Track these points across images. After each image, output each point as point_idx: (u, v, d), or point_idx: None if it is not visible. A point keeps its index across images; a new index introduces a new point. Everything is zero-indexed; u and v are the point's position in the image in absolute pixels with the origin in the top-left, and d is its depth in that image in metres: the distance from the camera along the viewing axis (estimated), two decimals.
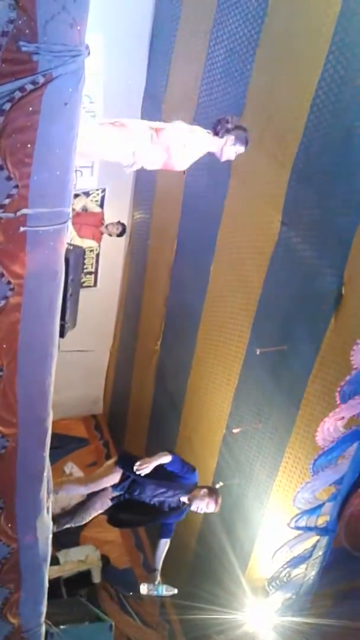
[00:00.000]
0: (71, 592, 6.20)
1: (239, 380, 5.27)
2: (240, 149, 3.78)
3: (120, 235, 6.75)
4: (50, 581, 3.75)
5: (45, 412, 2.85)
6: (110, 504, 4.73)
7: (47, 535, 3.34)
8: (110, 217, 7.16)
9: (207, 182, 5.54)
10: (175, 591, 4.60)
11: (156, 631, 6.57)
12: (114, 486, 4.69)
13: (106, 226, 6.65)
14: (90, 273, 7.63)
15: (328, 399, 3.98)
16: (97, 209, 6.86)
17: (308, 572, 4.23)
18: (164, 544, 4.76)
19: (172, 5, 5.68)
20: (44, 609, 3.71)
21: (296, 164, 4.32)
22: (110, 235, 6.69)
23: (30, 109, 1.96)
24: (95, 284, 7.79)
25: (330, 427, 3.75)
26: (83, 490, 4.73)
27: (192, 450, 6.18)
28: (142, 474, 4.35)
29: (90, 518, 4.88)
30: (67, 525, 4.87)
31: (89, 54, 2.02)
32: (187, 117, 5.30)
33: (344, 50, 3.82)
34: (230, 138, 3.70)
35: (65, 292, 4.52)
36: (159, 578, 4.57)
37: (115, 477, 4.66)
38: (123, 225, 6.76)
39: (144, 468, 4.33)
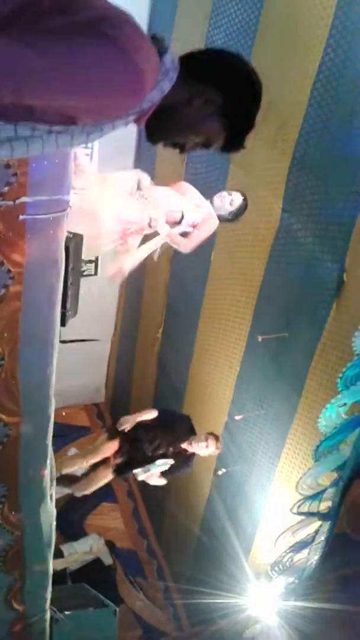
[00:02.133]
0: (81, 580, 6.26)
1: (241, 367, 5.29)
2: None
3: None
4: (55, 572, 3.79)
5: (47, 400, 2.86)
6: (111, 476, 4.82)
7: (50, 522, 3.37)
8: None
9: (207, 170, 5.51)
10: (172, 461, 4.67)
11: (163, 612, 6.66)
12: (115, 454, 4.77)
13: None
14: (91, 261, 7.60)
15: (330, 385, 3.99)
16: None
17: (310, 557, 4.27)
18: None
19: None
20: (49, 595, 3.75)
21: (297, 151, 4.30)
22: None
23: None
24: (96, 273, 7.76)
25: (332, 413, 3.76)
26: (84, 464, 4.81)
27: None
28: (126, 430, 4.41)
29: (92, 490, 4.97)
30: (68, 491, 4.97)
31: None
32: None
33: (344, 35, 3.78)
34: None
35: (65, 280, 4.52)
36: None
37: (114, 445, 4.74)
38: None
39: (125, 425, 4.43)
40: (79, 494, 5.08)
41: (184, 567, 6.70)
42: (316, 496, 4.07)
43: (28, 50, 1.13)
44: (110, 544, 7.10)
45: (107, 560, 6.97)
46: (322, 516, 4.06)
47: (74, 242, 3.05)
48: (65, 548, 6.87)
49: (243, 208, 3.93)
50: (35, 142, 1.29)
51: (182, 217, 3.72)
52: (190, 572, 6.46)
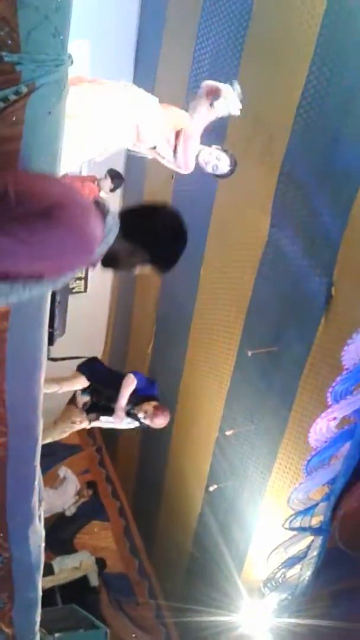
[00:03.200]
0: (68, 600, 6.19)
1: (231, 382, 5.28)
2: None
3: (114, 189, 6.14)
4: (44, 591, 3.73)
5: (35, 420, 2.84)
6: (77, 412, 4.90)
7: (39, 544, 3.33)
8: None
9: (195, 186, 5.54)
10: (137, 423, 4.84)
11: (152, 636, 6.56)
12: (83, 390, 4.84)
13: (98, 183, 6.13)
14: (80, 278, 7.61)
15: (320, 399, 3.99)
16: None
17: (303, 573, 4.24)
18: None
19: (158, 10, 5.69)
20: (38, 618, 3.69)
21: (284, 166, 4.34)
22: (105, 192, 6.11)
23: (14, 118, 1.96)
24: (85, 290, 7.77)
25: (322, 428, 3.76)
26: (58, 389, 4.89)
27: (186, 453, 6.18)
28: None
29: (68, 432, 5.03)
30: (49, 440, 5.03)
31: (72, 62, 2.03)
32: None
33: (329, 53, 3.84)
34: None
35: (53, 299, 4.54)
36: None
37: (83, 382, 4.83)
38: (113, 174, 6.02)
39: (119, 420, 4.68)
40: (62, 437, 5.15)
41: (176, 585, 6.64)
42: (308, 511, 4.05)
43: (4, 238, 1.62)
44: (101, 563, 7.04)
45: (94, 581, 6.93)
46: (314, 531, 4.05)
47: None
48: (56, 563, 6.81)
49: (227, 174, 3.79)
50: (13, 294, 1.78)
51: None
52: (182, 590, 6.40)
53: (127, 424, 4.83)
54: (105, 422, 4.87)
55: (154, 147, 3.51)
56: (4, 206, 1.65)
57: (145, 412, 4.71)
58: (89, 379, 4.94)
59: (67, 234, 1.68)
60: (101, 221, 1.80)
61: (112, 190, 6.09)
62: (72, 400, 5.03)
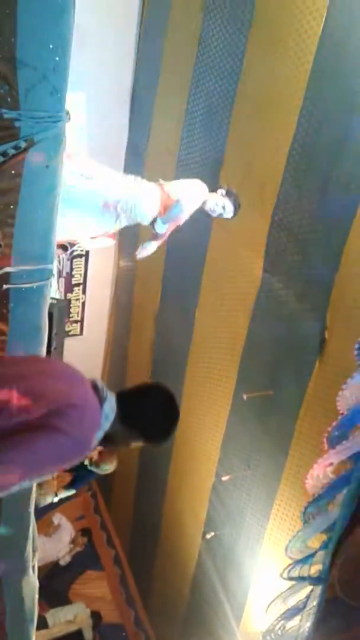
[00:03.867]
0: None
1: (227, 426, 5.25)
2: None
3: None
4: None
5: None
6: None
7: (33, 595, 3.25)
8: (96, 266, 7.26)
9: (190, 231, 5.63)
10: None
11: None
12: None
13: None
14: (76, 322, 7.64)
15: (316, 444, 3.97)
16: None
17: (303, 624, 4.13)
18: None
19: (152, 64, 5.90)
20: None
21: (275, 213, 4.43)
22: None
23: (13, 172, 2.02)
24: (81, 333, 7.79)
25: (319, 474, 3.73)
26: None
27: (182, 500, 6.09)
28: None
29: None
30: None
31: (69, 119, 2.10)
32: (169, 170, 5.45)
33: (317, 103, 3.96)
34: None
35: (49, 345, 4.53)
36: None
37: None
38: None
39: None
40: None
41: (173, 636, 6.44)
42: (306, 560, 3.97)
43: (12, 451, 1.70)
44: (96, 617, 6.86)
45: (88, 635, 6.74)
46: (313, 580, 3.96)
47: (58, 308, 3.08)
48: (49, 616, 6.63)
49: (229, 218, 3.87)
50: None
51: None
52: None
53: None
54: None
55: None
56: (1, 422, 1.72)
57: (90, 458, 4.62)
58: None
59: (63, 441, 1.76)
60: (99, 409, 1.89)
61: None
62: None
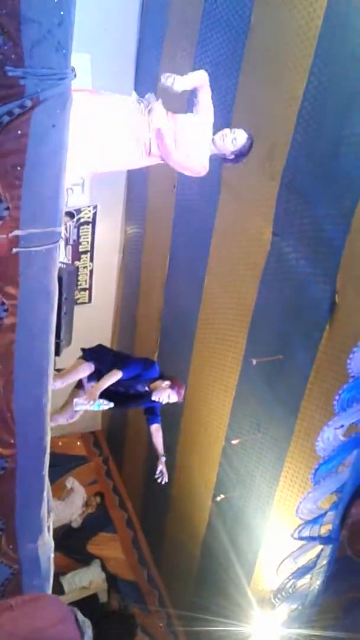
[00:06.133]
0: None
1: (236, 391, 5.28)
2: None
3: None
4: None
5: (43, 431, 2.84)
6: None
7: (48, 555, 3.32)
8: (103, 233, 7.22)
9: (197, 196, 5.58)
10: (112, 405, 4.47)
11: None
12: (89, 378, 4.74)
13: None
14: (84, 289, 7.64)
15: (326, 407, 3.98)
16: None
17: (313, 582, 4.21)
18: (155, 430, 4.83)
19: (158, 22, 5.76)
20: None
21: (285, 175, 4.36)
22: None
23: (19, 132, 1.98)
24: (89, 300, 7.80)
25: (329, 436, 3.75)
26: (59, 384, 4.73)
27: (191, 464, 6.16)
28: (94, 401, 4.37)
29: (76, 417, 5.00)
30: (60, 422, 4.92)
31: (75, 76, 2.05)
32: None
33: (328, 60, 3.87)
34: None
35: (59, 310, 4.52)
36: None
37: (87, 369, 4.70)
38: None
39: (91, 399, 4.37)
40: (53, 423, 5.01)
41: (185, 595, 6.60)
42: (316, 520, 4.03)
43: None
44: (111, 579, 7.06)
45: (103, 597, 6.98)
46: (323, 540, 4.02)
47: (67, 272, 3.06)
48: (65, 581, 6.82)
49: (247, 148, 3.63)
50: None
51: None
52: (192, 599, 6.36)
53: (99, 405, 4.65)
54: (79, 405, 4.51)
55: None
56: None
57: (161, 393, 4.57)
58: (94, 364, 4.81)
59: None
60: None
61: None
62: (79, 385, 4.93)
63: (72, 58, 2.05)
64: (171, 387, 4.54)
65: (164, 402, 4.60)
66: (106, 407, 4.46)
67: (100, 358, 4.82)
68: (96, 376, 4.74)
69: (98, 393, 4.41)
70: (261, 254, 4.69)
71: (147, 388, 4.65)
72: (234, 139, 3.47)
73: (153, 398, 4.56)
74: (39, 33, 1.89)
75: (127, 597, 7.11)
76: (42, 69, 1.93)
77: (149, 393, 4.63)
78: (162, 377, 4.67)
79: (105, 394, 4.53)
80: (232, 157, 3.54)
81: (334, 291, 4.02)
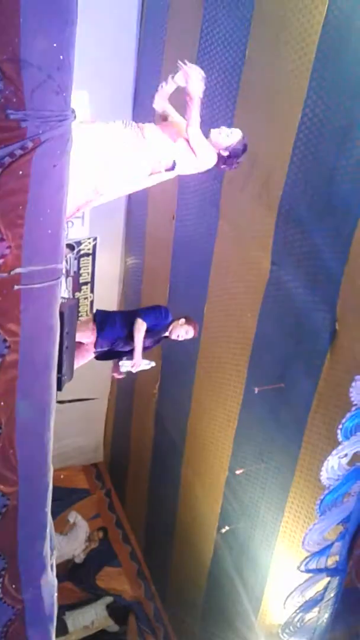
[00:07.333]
0: None
1: (239, 420, 5.25)
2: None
3: None
4: None
5: (45, 467, 2.82)
6: (92, 355, 4.71)
7: (52, 593, 3.26)
8: (103, 264, 7.27)
9: (196, 226, 5.62)
10: (153, 364, 4.63)
11: None
12: (96, 345, 4.65)
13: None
14: None
15: (329, 435, 3.96)
16: None
17: (321, 615, 4.13)
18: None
19: (154, 59, 5.88)
20: None
21: (282, 205, 4.41)
22: None
23: (21, 172, 2.01)
24: None
25: (334, 465, 3.72)
26: None
27: (195, 494, 6.09)
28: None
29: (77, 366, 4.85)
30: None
31: (75, 117, 2.09)
32: None
33: (323, 91, 3.94)
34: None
35: (61, 345, 4.50)
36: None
37: (90, 335, 4.63)
38: None
39: (137, 364, 4.50)
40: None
41: (192, 625, 6.47)
42: (323, 551, 3.98)
43: None
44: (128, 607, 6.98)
45: (113, 628, 6.84)
46: (330, 572, 3.96)
47: (68, 307, 3.07)
48: (69, 621, 6.70)
49: (241, 149, 3.67)
50: None
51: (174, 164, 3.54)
52: (199, 631, 6.24)
53: (145, 365, 4.66)
54: (125, 366, 4.60)
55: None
56: None
57: (180, 330, 4.57)
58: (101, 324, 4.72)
59: None
60: None
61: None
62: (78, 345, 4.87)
63: (72, 96, 2.09)
64: (187, 323, 4.61)
65: (181, 339, 4.62)
66: (148, 367, 4.61)
67: (109, 317, 4.76)
68: (117, 342, 4.69)
69: (141, 354, 4.51)
70: (260, 282, 4.71)
71: (166, 333, 4.68)
72: (229, 134, 3.57)
73: (172, 337, 4.62)
74: (39, 77, 1.93)
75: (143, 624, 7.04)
76: (42, 111, 1.97)
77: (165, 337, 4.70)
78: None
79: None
80: (226, 154, 3.59)
81: (334, 319, 4.04)
